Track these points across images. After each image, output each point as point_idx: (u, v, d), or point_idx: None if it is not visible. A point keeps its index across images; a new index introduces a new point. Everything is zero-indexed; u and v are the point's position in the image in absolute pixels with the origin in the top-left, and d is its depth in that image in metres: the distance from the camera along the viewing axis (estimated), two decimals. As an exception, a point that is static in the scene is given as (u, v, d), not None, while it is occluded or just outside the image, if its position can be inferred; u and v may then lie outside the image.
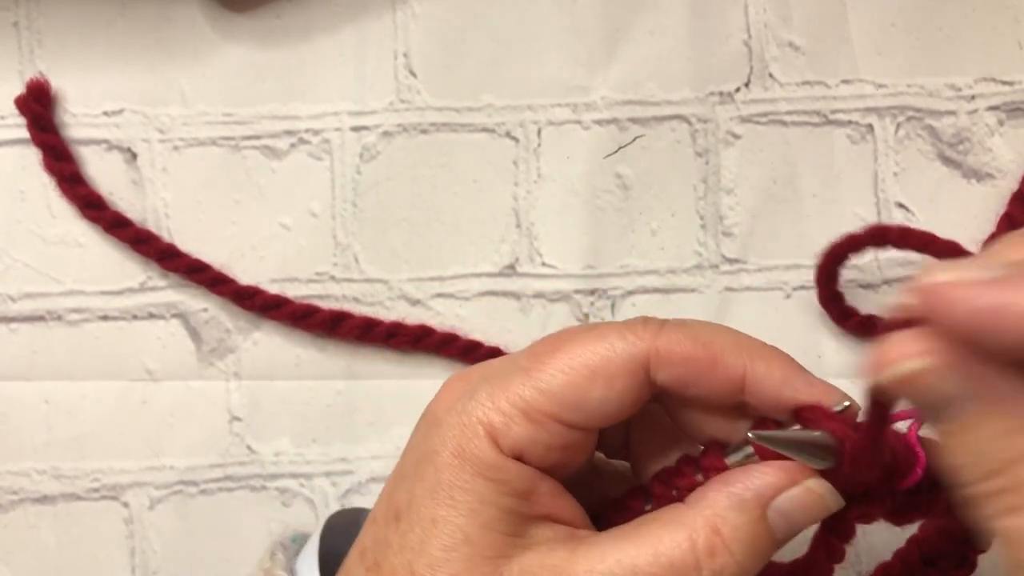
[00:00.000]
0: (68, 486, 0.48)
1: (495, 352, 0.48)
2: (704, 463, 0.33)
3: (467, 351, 0.47)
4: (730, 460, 0.32)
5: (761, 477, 0.31)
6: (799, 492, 0.31)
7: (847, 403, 0.31)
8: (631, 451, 0.37)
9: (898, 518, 0.33)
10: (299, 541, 0.42)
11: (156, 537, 0.48)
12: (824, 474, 0.31)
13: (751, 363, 0.32)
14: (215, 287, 0.47)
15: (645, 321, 0.33)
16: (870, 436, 0.30)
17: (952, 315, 0.24)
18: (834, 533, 0.33)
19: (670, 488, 0.33)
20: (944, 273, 0.24)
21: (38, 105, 0.47)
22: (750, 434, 0.31)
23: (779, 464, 0.31)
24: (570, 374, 0.31)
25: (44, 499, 0.48)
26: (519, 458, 0.32)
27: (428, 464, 0.32)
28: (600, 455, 0.39)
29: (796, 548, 0.34)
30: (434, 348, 0.48)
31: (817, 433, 0.31)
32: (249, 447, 0.48)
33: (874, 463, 0.31)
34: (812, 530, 0.33)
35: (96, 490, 0.48)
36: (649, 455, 0.36)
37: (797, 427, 0.32)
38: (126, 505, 0.48)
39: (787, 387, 0.32)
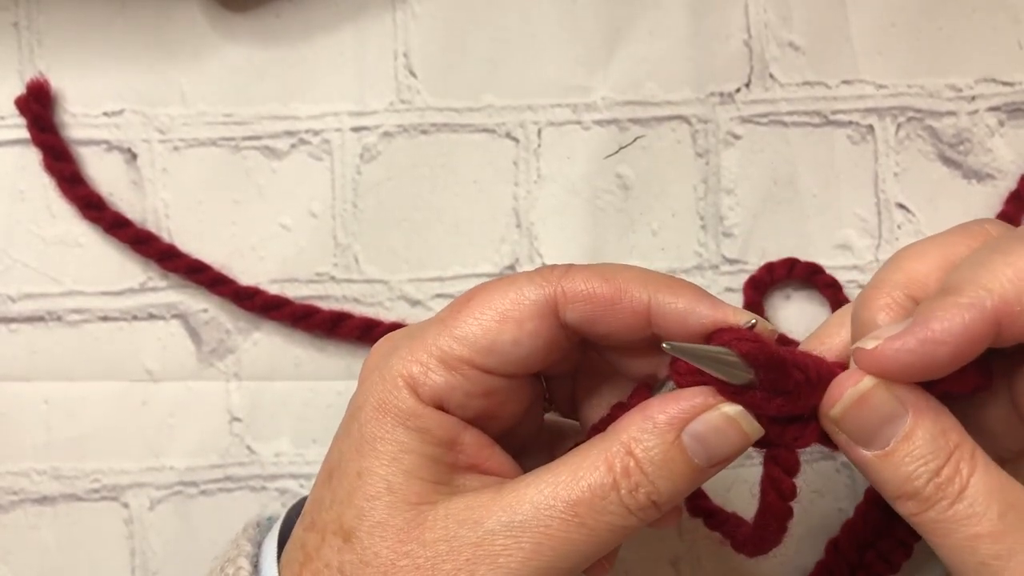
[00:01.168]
0: (68, 486, 0.48)
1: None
2: (632, 404, 0.33)
3: None
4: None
5: (676, 402, 0.32)
6: (713, 416, 0.31)
7: (753, 320, 0.32)
8: (577, 406, 0.38)
9: (830, 440, 0.33)
10: (272, 521, 0.42)
11: (156, 537, 0.48)
12: (745, 399, 0.32)
13: (655, 293, 0.33)
14: (215, 287, 0.47)
15: (553, 266, 0.34)
16: (775, 348, 0.32)
17: (900, 367, 0.30)
18: (777, 463, 0.33)
19: None
20: (873, 340, 0.31)
21: (38, 105, 0.47)
22: (665, 344, 0.31)
23: (695, 389, 0.32)
24: (482, 320, 0.33)
25: (44, 499, 0.48)
26: (440, 407, 0.33)
27: (353, 421, 0.33)
28: (554, 416, 0.39)
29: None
30: None
31: (726, 349, 0.31)
32: (249, 448, 0.48)
33: (786, 374, 0.31)
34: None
35: (96, 491, 0.48)
36: (594, 409, 0.37)
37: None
38: (126, 506, 0.48)
39: (692, 314, 0.33)
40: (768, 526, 0.35)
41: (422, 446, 0.32)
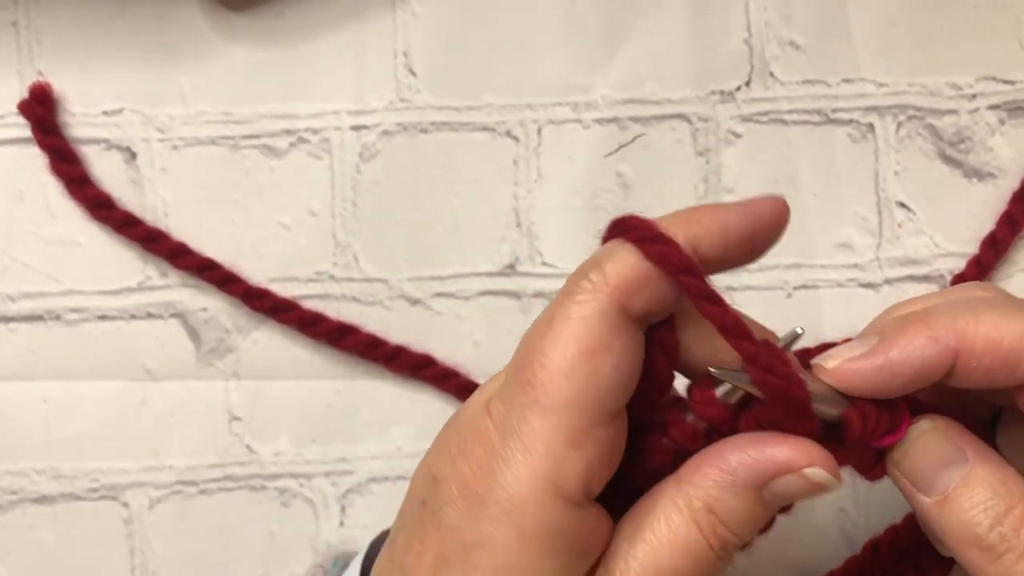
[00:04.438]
0: (67, 486, 0.48)
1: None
2: (696, 398, 0.31)
3: (465, 389, 0.47)
4: (720, 392, 0.31)
5: (757, 456, 0.29)
6: (796, 481, 0.30)
7: (800, 331, 0.31)
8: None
9: (870, 471, 0.33)
10: (340, 564, 0.40)
11: (155, 537, 0.48)
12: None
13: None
14: (225, 286, 0.47)
15: (584, 275, 0.30)
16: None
17: (853, 386, 0.30)
18: None
19: (684, 415, 0.31)
20: (832, 359, 0.31)
21: (41, 109, 0.47)
22: (712, 370, 0.30)
23: (780, 442, 0.30)
24: (575, 373, 0.28)
25: (43, 499, 0.48)
26: (588, 495, 0.29)
27: (481, 553, 0.28)
28: None
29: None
30: (434, 380, 0.48)
31: (822, 390, 0.30)
32: (248, 447, 0.48)
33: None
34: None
35: (95, 490, 0.48)
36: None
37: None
38: (125, 505, 0.48)
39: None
40: None
41: (567, 569, 0.29)
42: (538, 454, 0.28)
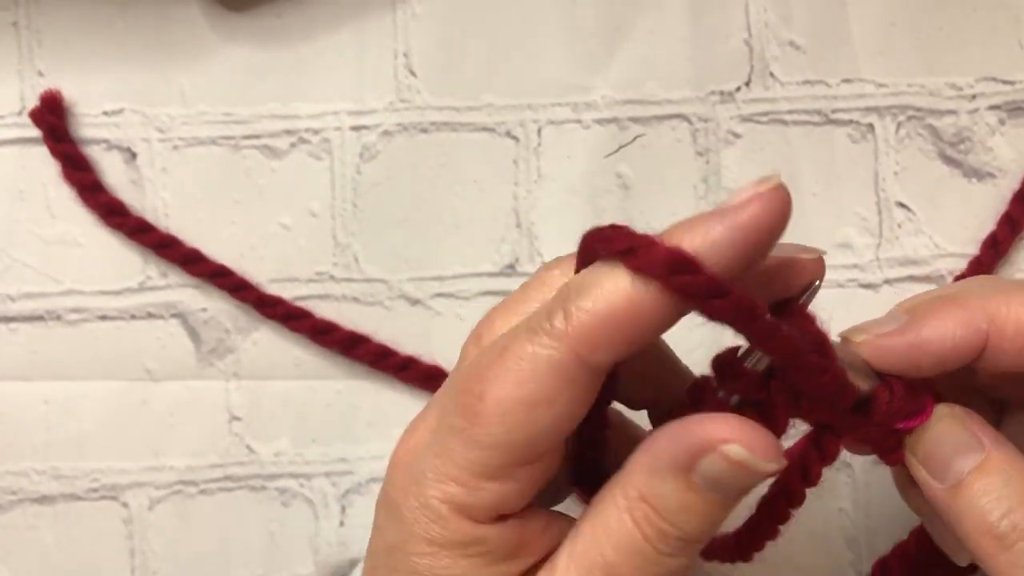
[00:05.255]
0: (67, 486, 0.48)
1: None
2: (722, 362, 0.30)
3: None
4: (749, 363, 0.30)
5: (679, 436, 0.27)
6: (718, 460, 0.27)
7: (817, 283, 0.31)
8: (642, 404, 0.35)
9: (891, 453, 0.32)
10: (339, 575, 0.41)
11: (156, 537, 0.48)
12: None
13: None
14: (237, 293, 0.47)
15: (550, 313, 0.27)
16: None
17: (882, 362, 0.31)
18: (817, 446, 0.32)
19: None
20: (863, 333, 0.31)
21: (53, 117, 0.47)
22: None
23: (706, 420, 0.27)
24: (508, 419, 0.27)
25: (43, 499, 0.48)
26: (499, 517, 0.29)
27: (399, 555, 0.29)
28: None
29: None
30: (418, 380, 0.48)
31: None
32: (249, 447, 0.48)
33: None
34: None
35: (95, 490, 0.48)
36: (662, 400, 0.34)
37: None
38: (125, 505, 0.48)
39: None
40: (772, 519, 0.33)
41: (486, 568, 0.29)
42: (451, 478, 0.28)
